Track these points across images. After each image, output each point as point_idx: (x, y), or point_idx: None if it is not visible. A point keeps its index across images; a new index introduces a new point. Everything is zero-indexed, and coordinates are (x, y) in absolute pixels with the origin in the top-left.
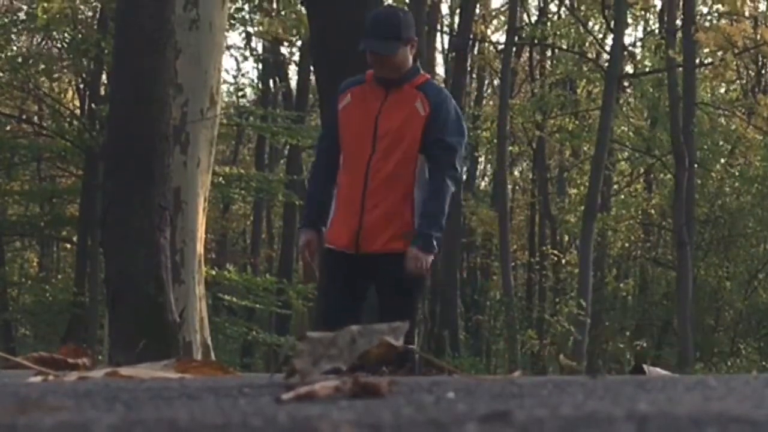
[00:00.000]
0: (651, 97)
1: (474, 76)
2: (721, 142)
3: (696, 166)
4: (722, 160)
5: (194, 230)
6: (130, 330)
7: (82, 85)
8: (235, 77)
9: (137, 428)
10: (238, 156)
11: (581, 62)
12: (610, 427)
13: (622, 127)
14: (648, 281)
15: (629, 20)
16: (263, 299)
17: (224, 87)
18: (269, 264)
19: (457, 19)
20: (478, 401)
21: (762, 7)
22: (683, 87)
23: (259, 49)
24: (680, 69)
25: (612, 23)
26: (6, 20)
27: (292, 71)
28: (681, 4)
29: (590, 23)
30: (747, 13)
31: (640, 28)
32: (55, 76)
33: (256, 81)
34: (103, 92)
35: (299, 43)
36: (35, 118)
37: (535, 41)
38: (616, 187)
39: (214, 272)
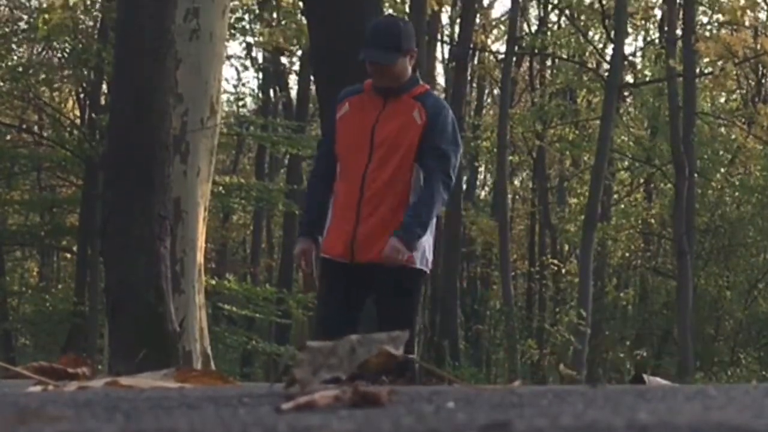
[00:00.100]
0: (651, 107)
1: (474, 85)
2: (721, 152)
3: (696, 175)
4: (722, 170)
5: (194, 240)
6: (130, 339)
7: (82, 95)
8: (235, 87)
9: None
10: (238, 165)
11: (581, 72)
12: None
13: (623, 137)
14: (648, 290)
15: (629, 30)
16: (263, 309)
17: (224, 96)
18: (269, 273)
19: (457, 29)
20: (478, 411)
21: (762, 16)
22: (683, 96)
23: (260, 59)
24: (680, 78)
25: (612, 33)
26: (7, 30)
27: (293, 81)
28: (681, 13)
29: (590, 33)
30: (747, 23)
31: (641, 37)
32: (56, 85)
33: (256, 90)
34: (103, 102)
35: (299, 52)
36: (35, 128)
37: (536, 51)
38: (616, 196)
39: (214, 282)
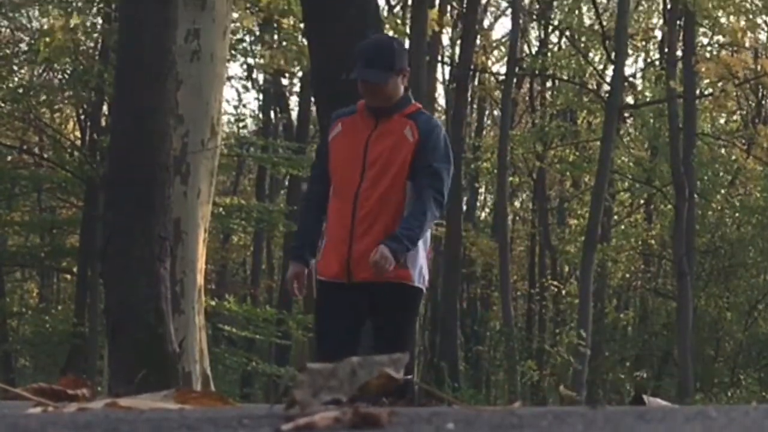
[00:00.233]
0: (651, 128)
1: (475, 106)
2: (721, 173)
3: (696, 196)
4: (722, 191)
5: (194, 261)
6: (129, 360)
7: (83, 116)
8: (236, 108)
9: None
10: (238, 186)
11: (582, 93)
12: None
13: (623, 158)
14: (648, 311)
15: (630, 51)
16: (263, 330)
17: (225, 117)
18: (269, 294)
19: (458, 50)
20: None
21: (762, 38)
22: (684, 117)
23: (260, 80)
24: (681, 99)
25: (612, 54)
26: (8, 51)
27: (293, 102)
28: (681, 35)
29: (591, 54)
30: (747, 44)
31: (641, 58)
32: (57, 106)
33: (257, 111)
34: (104, 123)
35: (300, 74)
36: (36, 149)
37: (536, 72)
38: (616, 217)
39: (214, 303)
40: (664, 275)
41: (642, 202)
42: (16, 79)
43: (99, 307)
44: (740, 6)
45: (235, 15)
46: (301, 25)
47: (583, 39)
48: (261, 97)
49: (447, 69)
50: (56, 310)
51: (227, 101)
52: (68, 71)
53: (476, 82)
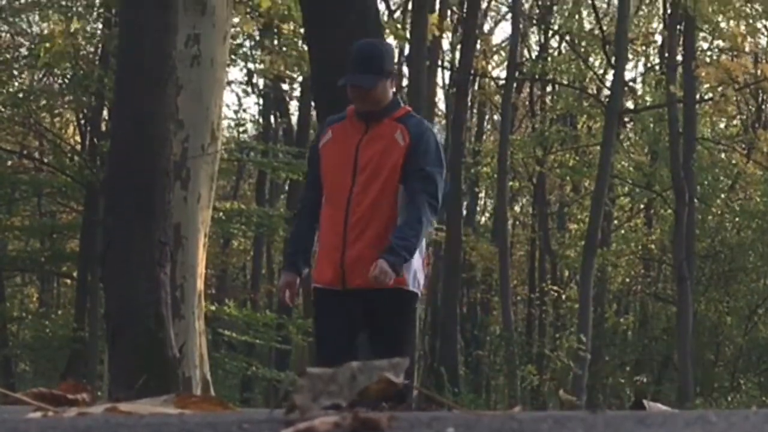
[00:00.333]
0: (651, 133)
1: (475, 111)
2: (721, 177)
3: (696, 201)
4: (722, 195)
5: (194, 266)
6: (129, 365)
7: (83, 121)
8: (236, 112)
9: None
10: (238, 191)
11: (582, 98)
12: None
13: (623, 162)
14: (648, 316)
15: (630, 56)
16: (263, 334)
17: (225, 122)
18: (269, 299)
19: (457, 55)
20: None
21: (762, 43)
22: (684, 122)
23: (260, 85)
24: (681, 104)
25: (612, 59)
26: (8, 56)
27: (293, 107)
28: (681, 39)
29: (591, 59)
30: (747, 49)
31: (641, 63)
32: (57, 111)
33: (257, 116)
34: (104, 128)
35: (300, 79)
36: (36, 154)
37: (536, 77)
38: (616, 222)
39: (214, 307)
40: (664, 280)
41: (642, 206)
42: (16, 83)
43: (99, 312)
44: (740, 11)
45: (235, 20)
46: (301, 31)
47: (583, 43)
48: (261, 101)
49: (447, 73)
50: (56, 315)
51: (227, 106)
52: (68, 76)
53: (476, 87)
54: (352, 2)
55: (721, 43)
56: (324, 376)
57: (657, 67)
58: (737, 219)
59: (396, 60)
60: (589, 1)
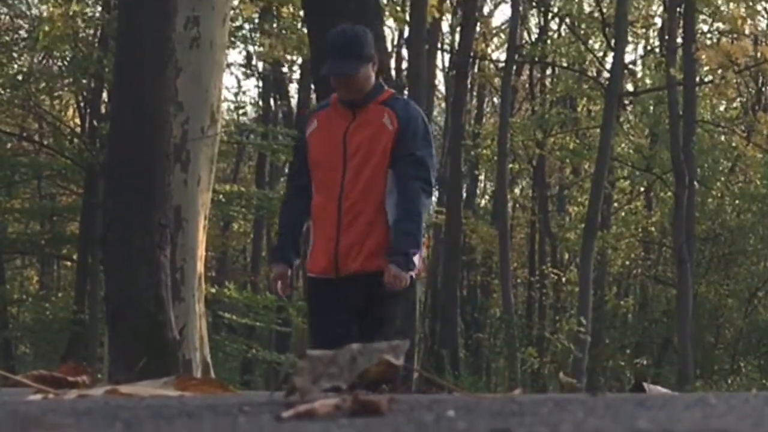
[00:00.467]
0: (651, 115)
1: (474, 93)
2: (721, 160)
3: (696, 183)
4: (722, 178)
5: (194, 248)
6: (130, 348)
7: (82, 103)
8: (235, 95)
9: None
10: (238, 174)
11: (581, 80)
12: None
13: (623, 145)
14: (648, 299)
15: (630, 38)
16: (263, 317)
17: (225, 105)
18: (269, 281)
19: (457, 38)
20: (478, 419)
21: (762, 25)
22: (683, 105)
23: (260, 68)
24: (681, 87)
25: (612, 41)
26: (7, 39)
27: (293, 89)
28: (681, 22)
29: (590, 41)
30: (747, 32)
31: (641, 46)
32: (56, 94)
33: (256, 99)
34: (103, 110)
35: (300, 61)
36: (36, 136)
37: (536, 59)
38: (616, 204)
39: (214, 290)
40: (664, 262)
41: (642, 189)
42: (15, 66)
43: (99, 295)
44: None
45: (235, 2)
46: (301, 13)
47: (583, 26)
48: (261, 84)
49: (447, 56)
50: (56, 298)
51: (227, 88)
52: (68, 58)
53: (476, 69)
54: None
55: (721, 25)
56: (324, 359)
57: (657, 50)
58: (737, 201)
59: (391, 44)
60: None
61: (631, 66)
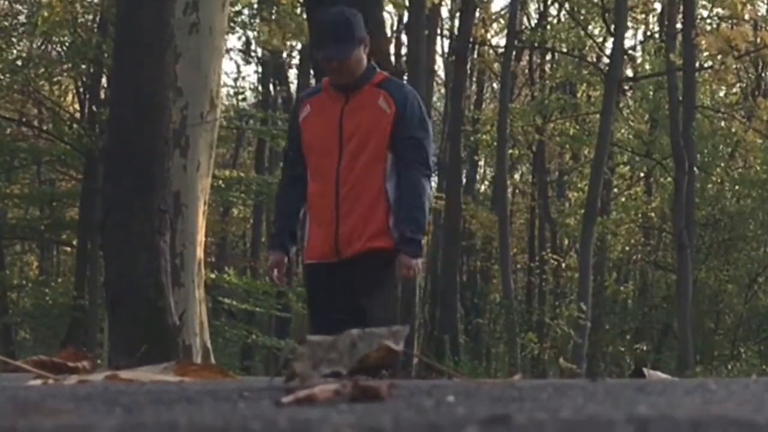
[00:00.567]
0: (651, 101)
1: (474, 79)
2: (721, 146)
3: (696, 169)
4: (722, 163)
5: (194, 234)
6: (129, 333)
7: (81, 89)
8: (235, 80)
9: None
10: (238, 159)
11: (581, 66)
12: (610, 431)
13: (622, 131)
14: (648, 284)
15: (629, 24)
16: (263, 302)
17: (224, 90)
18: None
19: (457, 23)
20: (477, 405)
21: (762, 10)
22: (683, 90)
23: (260, 53)
24: (680, 72)
25: (612, 27)
26: (6, 24)
27: (292, 75)
28: (681, 7)
29: (590, 27)
30: (747, 17)
31: (641, 31)
32: (55, 79)
33: (256, 84)
34: (103, 95)
35: (299, 47)
36: (35, 122)
37: (535, 45)
38: (616, 190)
39: (213, 275)
40: (663, 248)
41: (642, 175)
42: (14, 51)
43: (99, 280)
44: None
45: None
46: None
47: (583, 11)
48: (260, 69)
49: (446, 42)
50: (56, 283)
51: (226, 74)
52: (67, 43)
53: (476, 55)
54: None
55: (720, 10)
56: (324, 344)
57: (657, 35)
58: (737, 187)
59: (390, 30)
60: None
61: (630, 51)
